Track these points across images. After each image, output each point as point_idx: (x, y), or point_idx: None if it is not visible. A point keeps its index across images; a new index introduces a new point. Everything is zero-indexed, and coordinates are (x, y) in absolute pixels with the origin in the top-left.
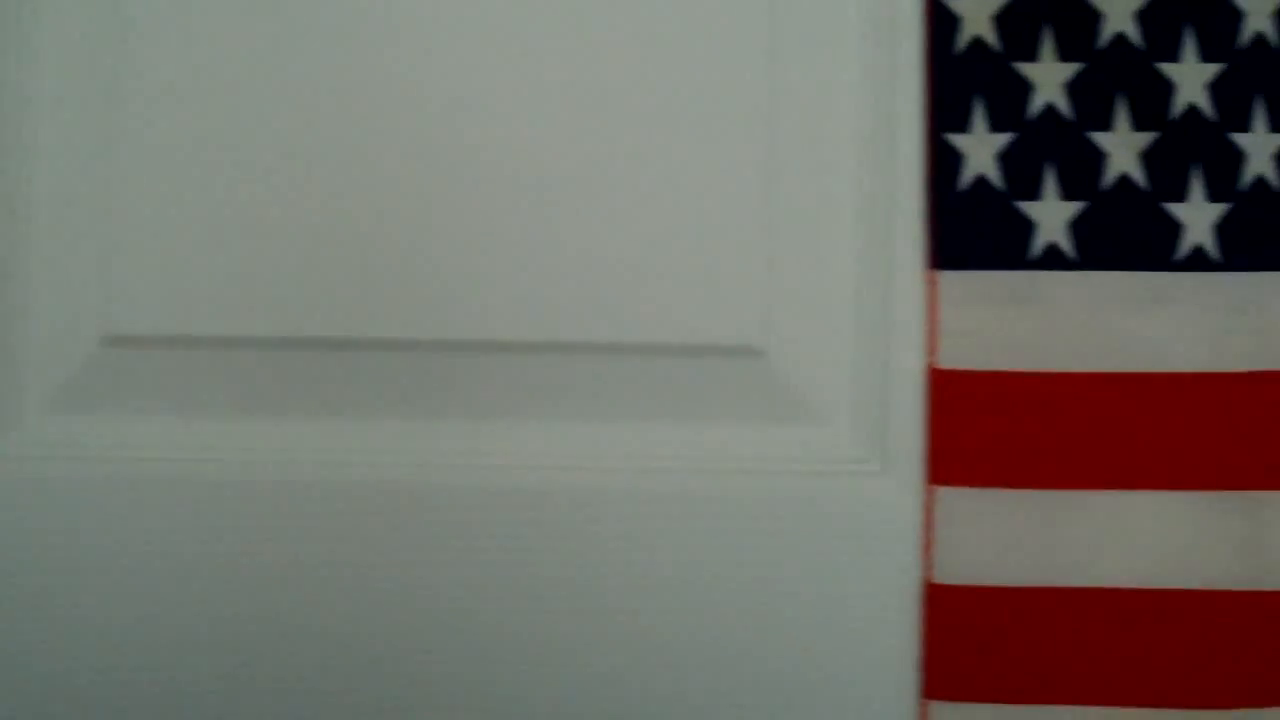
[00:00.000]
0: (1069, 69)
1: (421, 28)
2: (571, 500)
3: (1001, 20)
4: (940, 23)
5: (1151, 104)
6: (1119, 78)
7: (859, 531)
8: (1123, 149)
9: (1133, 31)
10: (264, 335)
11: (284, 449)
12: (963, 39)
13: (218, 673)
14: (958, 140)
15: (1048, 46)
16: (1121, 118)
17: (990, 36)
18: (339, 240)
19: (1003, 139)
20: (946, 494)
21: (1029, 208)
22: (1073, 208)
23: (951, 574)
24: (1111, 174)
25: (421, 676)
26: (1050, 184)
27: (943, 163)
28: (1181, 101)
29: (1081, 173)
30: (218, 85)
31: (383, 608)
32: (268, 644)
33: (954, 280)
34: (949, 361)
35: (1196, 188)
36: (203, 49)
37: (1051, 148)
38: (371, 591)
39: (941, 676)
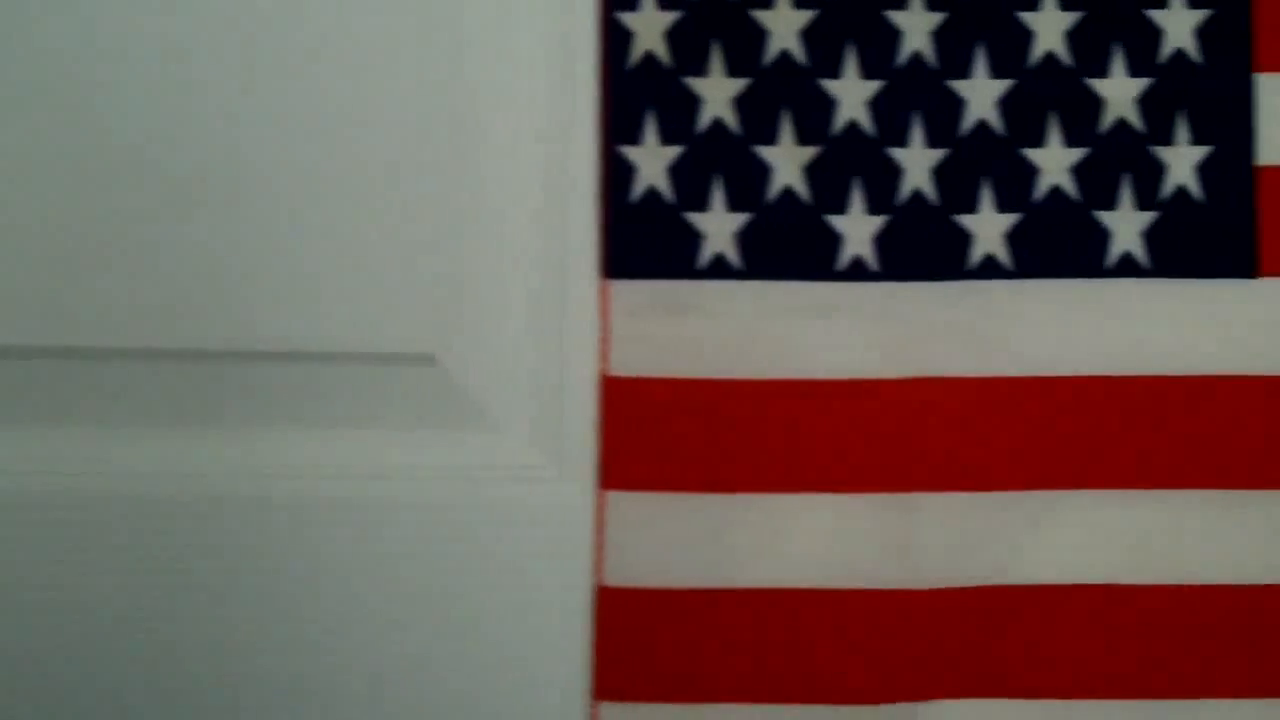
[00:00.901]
0: (737, 84)
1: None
2: (247, 508)
3: (673, 36)
4: (615, 38)
5: (815, 119)
6: (784, 93)
7: (536, 536)
8: (787, 162)
9: (797, 49)
10: None
11: None
12: (635, 54)
13: None
14: (630, 152)
15: (716, 62)
16: (786, 132)
17: (662, 52)
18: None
19: (673, 152)
20: (617, 498)
21: (697, 219)
22: (739, 219)
23: (621, 577)
24: (776, 187)
25: (95, 682)
26: (718, 196)
27: (616, 174)
28: (843, 117)
29: (747, 185)
30: None
31: (59, 618)
32: None
33: (625, 289)
34: (620, 368)
35: (857, 201)
36: None
37: (719, 161)
38: (46, 601)
39: (611, 678)
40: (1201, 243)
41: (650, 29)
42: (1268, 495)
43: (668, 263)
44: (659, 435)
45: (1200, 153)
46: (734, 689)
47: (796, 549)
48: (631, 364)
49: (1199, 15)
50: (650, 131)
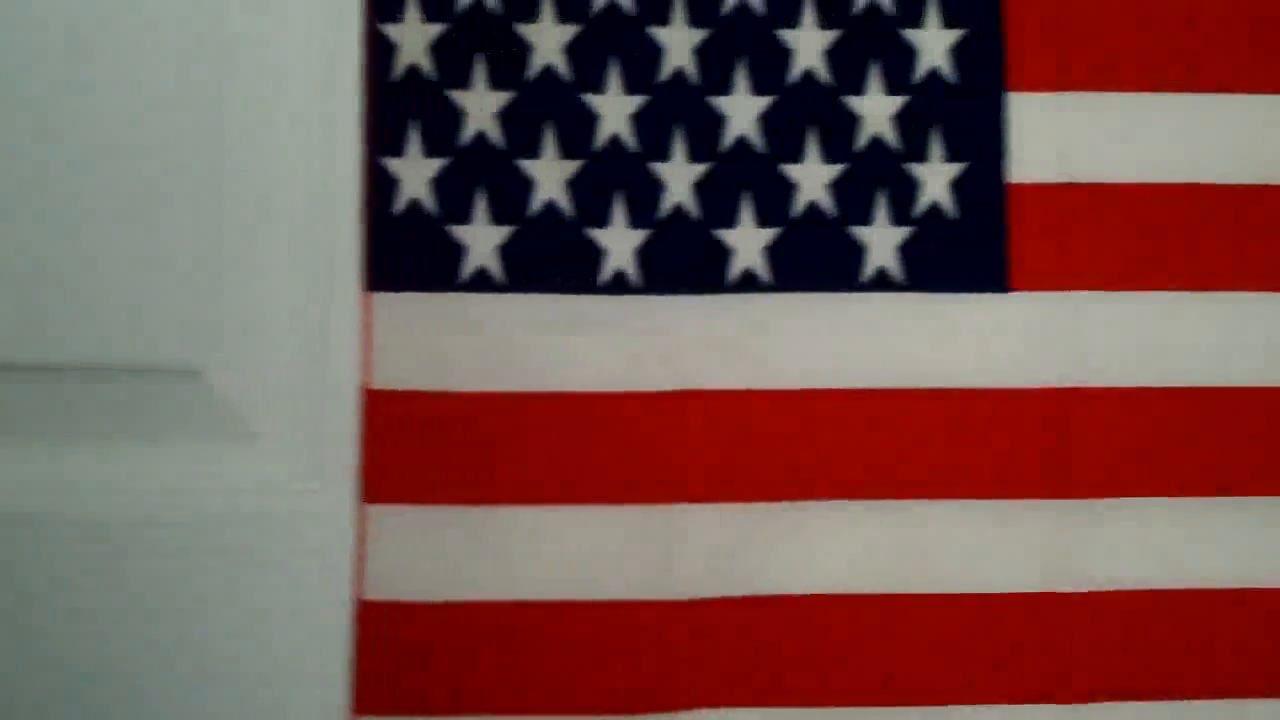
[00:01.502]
0: (500, 98)
1: None
2: (3, 523)
3: (437, 49)
4: (379, 50)
5: (578, 133)
6: (547, 107)
7: (298, 550)
8: (549, 176)
9: (560, 63)
10: None
11: None
12: (399, 66)
13: None
14: (393, 165)
15: (480, 75)
16: (549, 146)
17: (426, 64)
18: None
19: (436, 164)
20: (378, 512)
21: (460, 232)
22: (501, 232)
23: (382, 590)
24: (538, 201)
25: None
26: (481, 209)
27: (379, 186)
28: (606, 132)
29: (510, 199)
30: None
31: None
32: None
33: (388, 301)
34: (382, 382)
35: (619, 215)
36: None
37: (482, 174)
38: None
39: (370, 692)
40: (954, 257)
41: (414, 41)
42: (1025, 504)
43: (430, 276)
44: (421, 448)
45: (954, 170)
46: (495, 701)
47: (558, 561)
48: (394, 377)
49: (953, 35)
50: (413, 144)
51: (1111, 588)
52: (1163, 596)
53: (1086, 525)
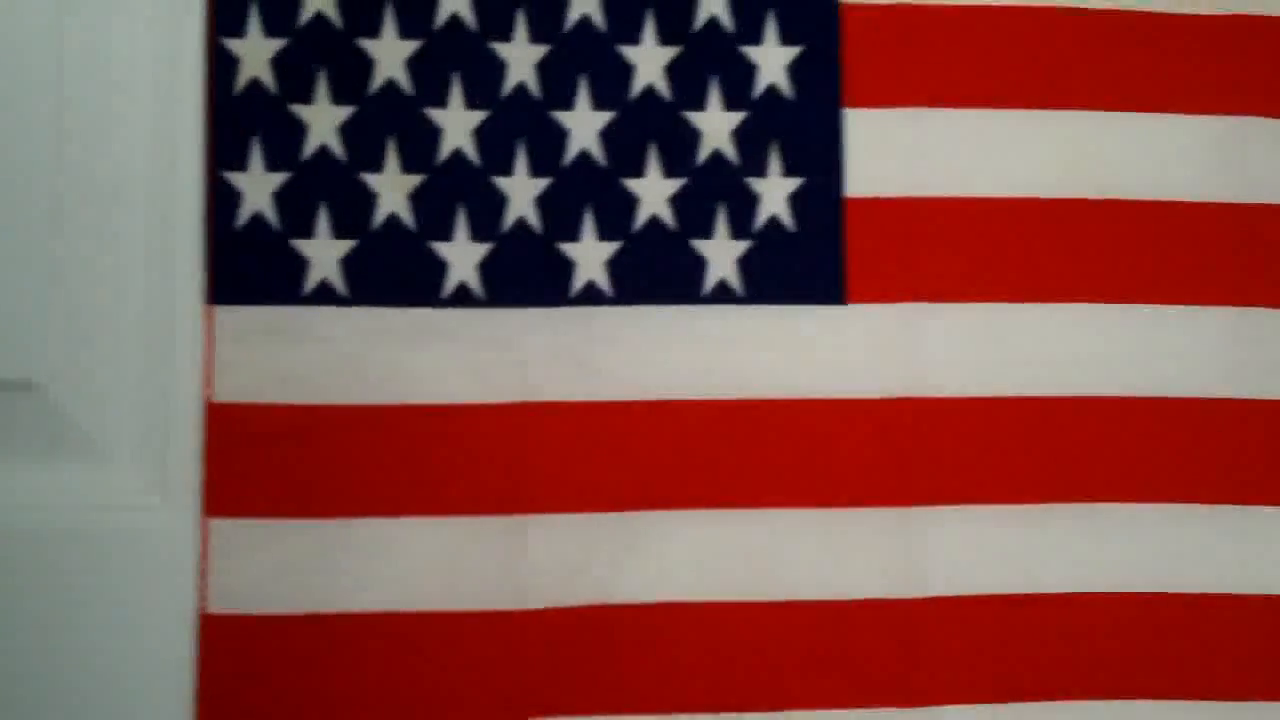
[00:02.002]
0: (342, 112)
1: None
2: None
3: (279, 63)
4: (221, 63)
5: (420, 147)
6: (389, 121)
7: (141, 566)
8: (392, 190)
9: (403, 78)
10: None
11: None
12: (242, 80)
13: None
14: (235, 178)
15: (323, 90)
16: (391, 160)
17: (268, 78)
18: None
19: (279, 178)
20: (222, 525)
21: (303, 245)
22: (344, 246)
23: (226, 604)
24: (381, 214)
25: None
26: (323, 223)
27: (221, 200)
28: (448, 145)
29: (353, 212)
30: None
31: None
32: None
33: (231, 315)
34: (225, 395)
35: (462, 228)
36: None
37: (325, 187)
38: None
39: (215, 706)
40: (793, 270)
41: (256, 55)
42: (865, 512)
43: (273, 289)
44: (264, 462)
45: (792, 184)
46: (342, 712)
47: (406, 573)
48: (236, 390)
49: (791, 52)
50: (256, 158)
51: (952, 593)
52: (1003, 601)
53: (926, 531)
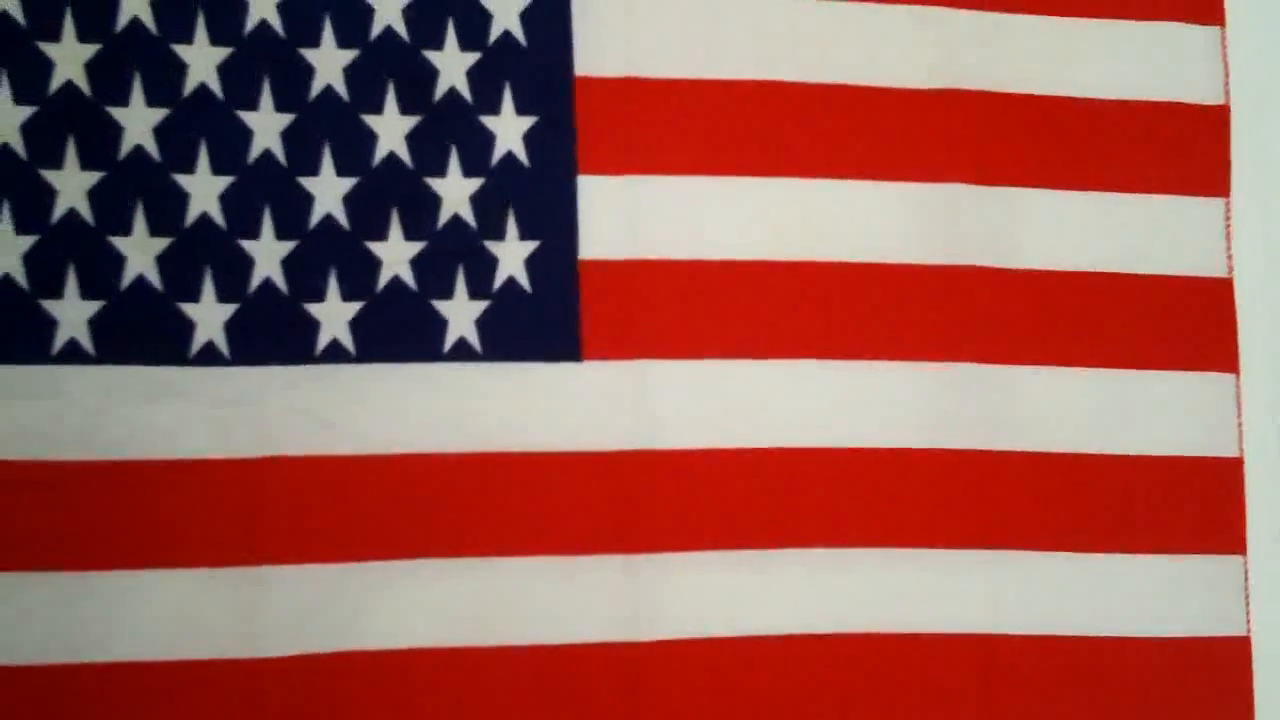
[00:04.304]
0: (91, 177)
1: None
2: None
3: (28, 130)
4: None
5: (168, 211)
6: (137, 186)
7: None
8: (140, 252)
9: (150, 144)
10: None
11: None
12: None
13: None
14: None
15: (72, 155)
16: (140, 223)
17: (18, 144)
18: None
19: (27, 241)
20: None
21: (52, 306)
22: (93, 306)
23: None
24: (129, 275)
25: None
26: (72, 284)
27: None
28: (195, 210)
29: (102, 274)
30: None
31: None
32: None
33: None
34: None
35: (209, 289)
36: None
37: (75, 250)
38: None
39: None
40: (530, 329)
41: (6, 122)
42: (596, 560)
43: (22, 348)
44: (15, 516)
45: (529, 247)
46: None
47: (143, 623)
48: None
49: (527, 122)
50: (4, 221)
51: (677, 636)
52: (726, 644)
53: (654, 577)
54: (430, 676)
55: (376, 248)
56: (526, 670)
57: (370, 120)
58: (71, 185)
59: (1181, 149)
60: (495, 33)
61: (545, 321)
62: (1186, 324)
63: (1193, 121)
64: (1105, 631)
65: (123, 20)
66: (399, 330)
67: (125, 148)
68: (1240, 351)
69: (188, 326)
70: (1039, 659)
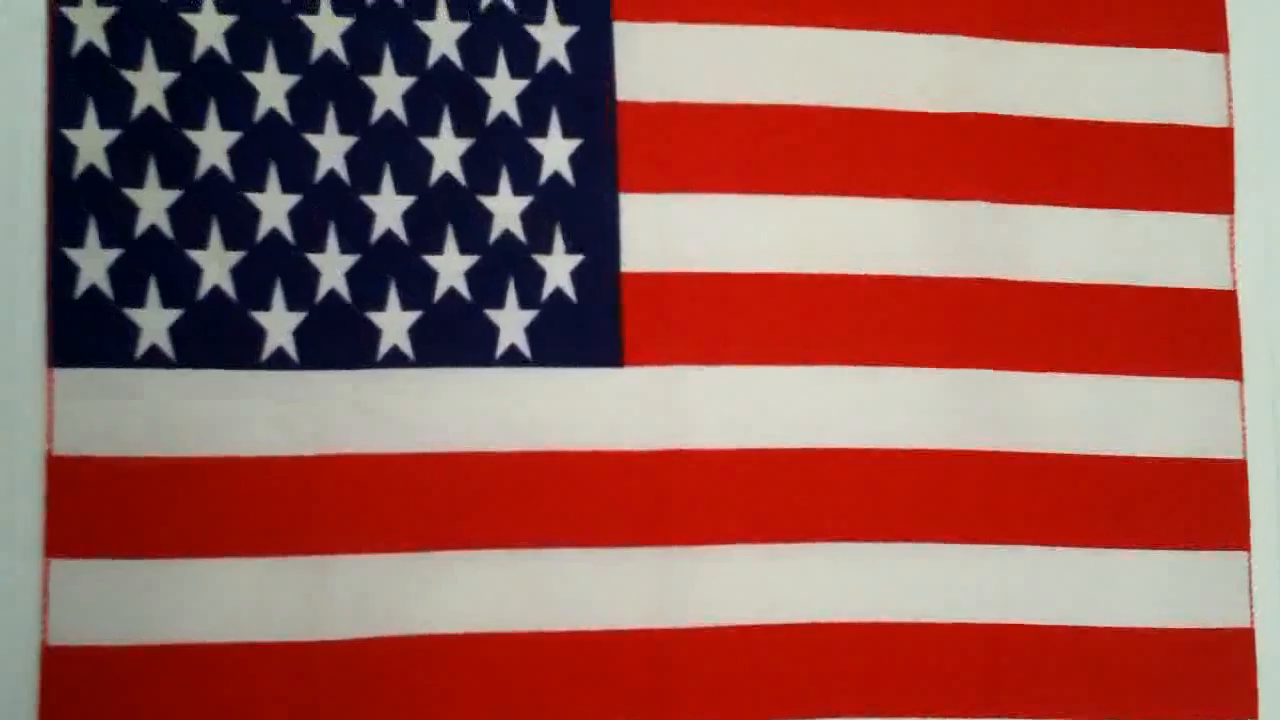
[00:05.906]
0: (170, 195)
1: None
2: None
3: (113, 151)
4: (58, 151)
5: (241, 226)
6: (213, 203)
7: None
8: (215, 264)
9: (224, 165)
10: None
11: None
12: (79, 166)
13: None
14: (73, 254)
15: (152, 175)
16: (214, 237)
17: (103, 165)
18: None
19: (113, 254)
20: (61, 565)
21: (134, 314)
22: (172, 315)
23: (65, 637)
24: (206, 286)
25: None
26: (153, 294)
27: (60, 273)
28: (266, 225)
29: (180, 284)
30: None
31: None
32: None
33: (69, 376)
34: (63, 448)
35: (278, 299)
36: None
37: (155, 262)
38: None
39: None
40: (575, 337)
41: (92, 144)
42: (635, 550)
43: (108, 353)
44: (99, 507)
45: (574, 260)
46: None
47: (214, 608)
48: (74, 444)
49: (572, 144)
50: (92, 236)
51: (711, 623)
52: (751, 631)
53: (686, 568)
54: (477, 658)
55: (433, 260)
56: (567, 653)
57: (427, 142)
58: (152, 203)
59: (1188, 169)
60: (543, 61)
61: (589, 329)
62: (1192, 333)
63: (1198, 143)
64: (1112, 622)
65: (199, 50)
66: (454, 337)
67: (201, 168)
68: (1243, 359)
69: (259, 333)
70: (1049, 647)
